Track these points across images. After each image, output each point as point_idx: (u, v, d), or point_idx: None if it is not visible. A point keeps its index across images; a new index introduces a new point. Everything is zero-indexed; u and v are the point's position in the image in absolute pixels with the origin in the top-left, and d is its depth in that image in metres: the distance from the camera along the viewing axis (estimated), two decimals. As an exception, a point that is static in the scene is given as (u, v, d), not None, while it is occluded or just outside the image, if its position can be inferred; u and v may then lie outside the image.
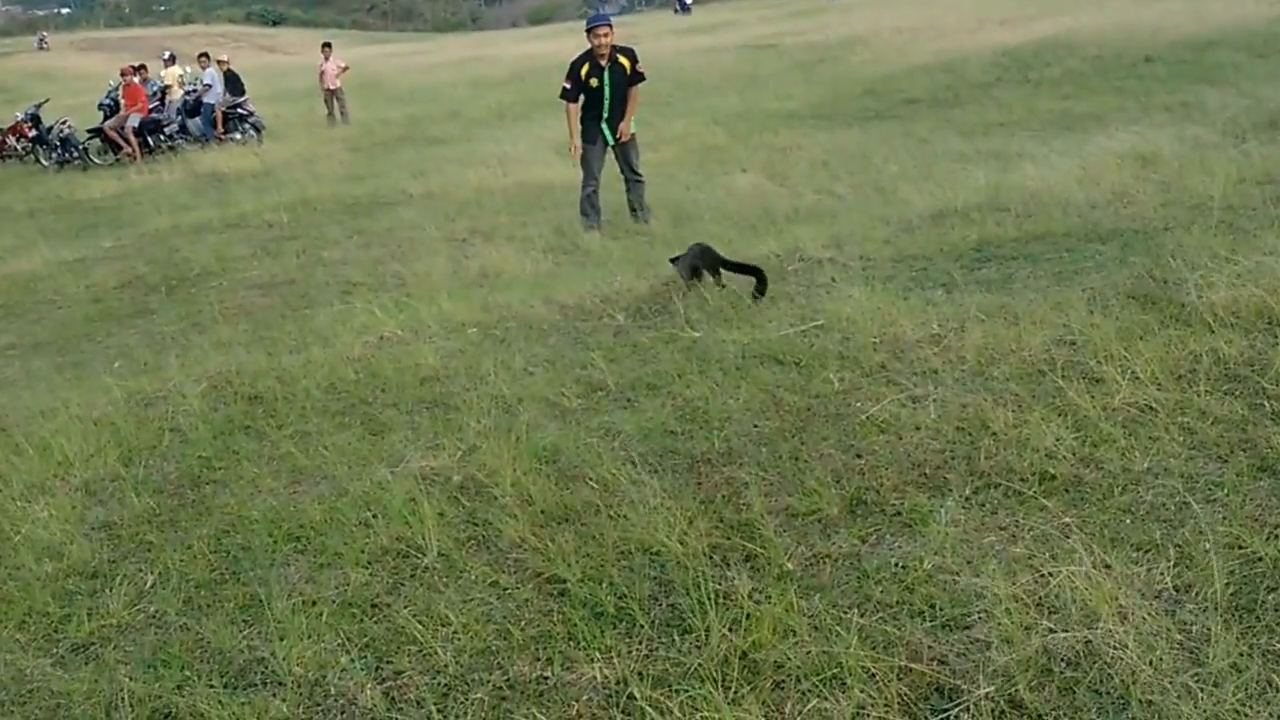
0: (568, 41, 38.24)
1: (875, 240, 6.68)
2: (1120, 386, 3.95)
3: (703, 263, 6.09)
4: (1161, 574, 2.95)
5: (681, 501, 3.60)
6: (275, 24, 63.92)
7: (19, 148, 21.07)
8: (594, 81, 9.56)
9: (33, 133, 20.58)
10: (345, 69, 22.51)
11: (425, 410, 4.77)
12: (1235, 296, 4.48)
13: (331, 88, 22.16)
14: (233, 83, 20.50)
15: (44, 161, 20.24)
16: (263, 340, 6.56)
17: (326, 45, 22.97)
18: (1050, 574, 2.97)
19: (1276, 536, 3.01)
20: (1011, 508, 3.37)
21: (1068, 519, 3.27)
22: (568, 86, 9.66)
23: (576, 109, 9.71)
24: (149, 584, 3.61)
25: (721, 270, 6.05)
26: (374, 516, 3.75)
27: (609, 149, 9.92)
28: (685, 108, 18.89)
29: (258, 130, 20.37)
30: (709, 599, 3.01)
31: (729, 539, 3.37)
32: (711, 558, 3.30)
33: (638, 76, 9.76)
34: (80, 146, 19.82)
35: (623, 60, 9.62)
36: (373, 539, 3.62)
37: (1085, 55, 18.06)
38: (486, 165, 14.15)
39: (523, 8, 79.37)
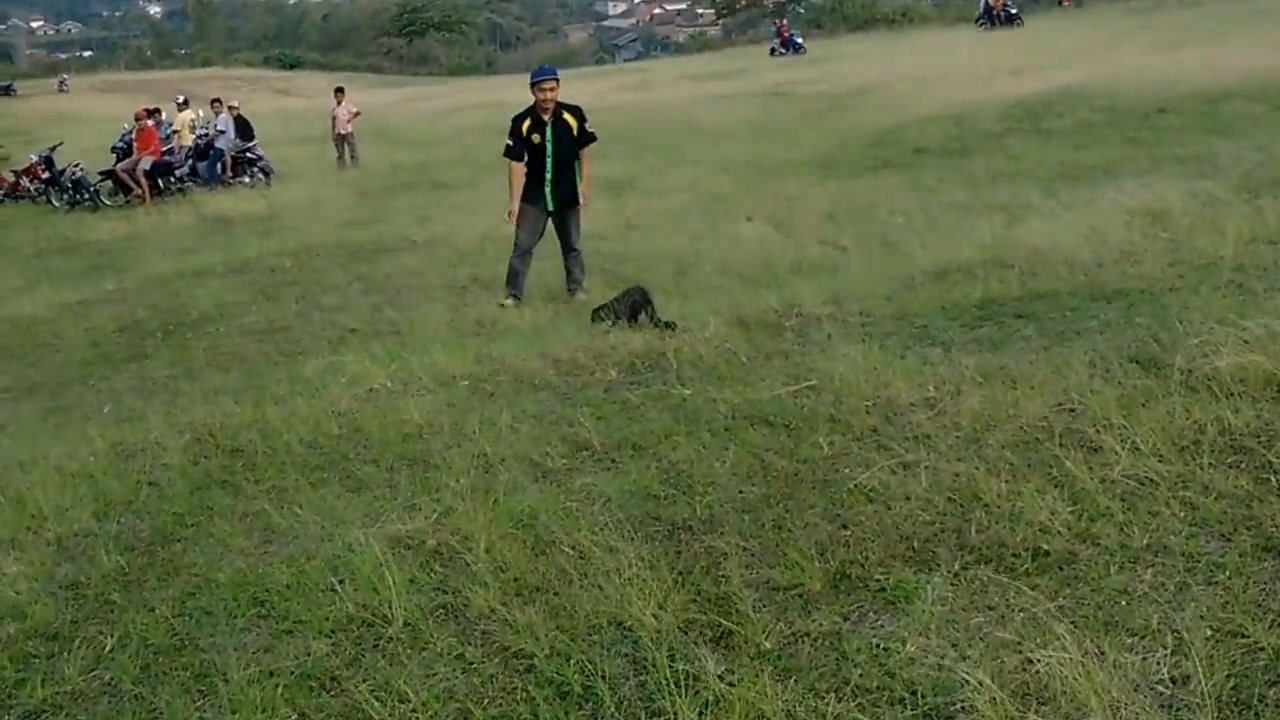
0: (581, 87, 38.45)
1: (876, 296, 6.57)
2: (1119, 457, 3.80)
3: (641, 302, 6.68)
4: (1158, 663, 2.80)
5: (659, 572, 3.47)
6: (292, 67, 64.10)
7: (32, 189, 21.28)
8: (536, 137, 9.05)
9: (45, 174, 20.77)
10: (357, 114, 22.64)
11: (405, 468, 4.66)
12: (1242, 363, 4.32)
13: (343, 132, 22.28)
14: (242, 128, 20.63)
15: (55, 202, 20.41)
16: (252, 389, 6.45)
17: (339, 90, 23.13)
18: (1039, 660, 2.83)
19: (1279, 625, 2.86)
20: (1002, 585, 3.23)
21: (1060, 600, 3.12)
22: (511, 143, 9.12)
23: (522, 168, 9.13)
24: (108, 648, 3.49)
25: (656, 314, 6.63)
26: (341, 582, 3.62)
27: (548, 216, 9.28)
28: (695, 155, 18.88)
29: (266, 174, 20.48)
30: (679, 680, 2.87)
31: (705, 614, 3.23)
32: (686, 633, 3.16)
33: (587, 137, 9.23)
34: (92, 188, 19.98)
35: (568, 118, 9.12)
36: (338, 606, 3.49)
37: (1097, 105, 17.97)
38: (493, 211, 14.06)
39: (537, 54, 79.85)
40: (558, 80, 9.16)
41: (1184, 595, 3.07)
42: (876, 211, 11.85)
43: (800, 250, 10.24)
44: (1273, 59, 19.32)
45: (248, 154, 20.48)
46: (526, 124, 9.07)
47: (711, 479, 4.12)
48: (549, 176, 9.11)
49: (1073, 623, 3.00)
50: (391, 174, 20.31)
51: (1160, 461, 3.77)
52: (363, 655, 3.24)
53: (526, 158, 9.09)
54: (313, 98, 40.17)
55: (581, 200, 9.30)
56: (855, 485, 3.89)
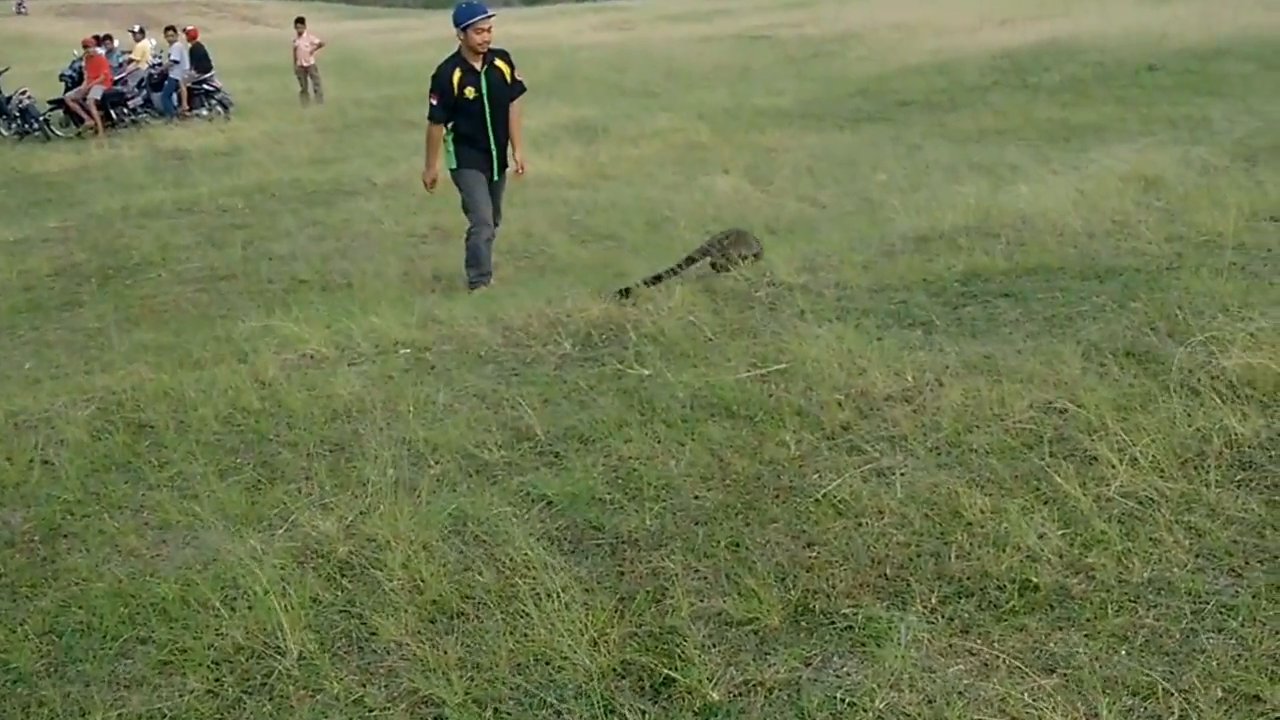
0: (559, 24, 37.63)
1: (853, 265, 6.12)
2: (1116, 471, 3.39)
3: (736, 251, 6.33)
4: (1162, 734, 2.41)
5: (597, 598, 3.05)
6: (260, -7, 62.15)
7: (-23, 117, 20.30)
8: (470, 92, 7.41)
9: (-9, 102, 19.81)
10: (320, 45, 21.80)
11: (327, 455, 4.20)
12: (1250, 364, 3.92)
13: (305, 64, 21.44)
14: (199, 57, 19.79)
15: (4, 132, 19.48)
16: (177, 350, 5.96)
17: (300, 20, 22.22)
18: (1027, 726, 2.43)
19: (1298, 689, 2.47)
20: (985, 626, 2.83)
21: (1051, 645, 2.73)
22: (434, 103, 7.45)
23: (442, 131, 7.57)
24: (-40, 674, 3.04)
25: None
26: (233, 600, 3.17)
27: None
28: (672, 100, 18.27)
29: (225, 107, 19.69)
30: (609, 743, 2.46)
31: (646, 655, 2.81)
32: (622, 679, 2.75)
33: (518, 86, 7.70)
34: (41, 118, 19.12)
35: (501, 65, 7.56)
36: (226, 631, 3.04)
37: (1086, 60, 17.51)
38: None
39: (518, -13, 78.31)
40: (491, 19, 7.48)
41: (1190, 644, 2.68)
42: (858, 167, 11.36)
43: (777, 207, 9.77)
44: (1265, 16, 18.88)
45: (205, 85, 19.68)
46: (457, 76, 7.42)
47: (664, 481, 3.69)
48: (491, 136, 7.55)
49: (1065, 676, 2.61)
50: (356, 110, 19.58)
51: (1161, 477, 3.37)
52: (246, 697, 2.79)
53: (451, 122, 7.57)
54: (281, 27, 38.82)
55: (518, 169, 7.83)
56: (823, 495, 3.48)
